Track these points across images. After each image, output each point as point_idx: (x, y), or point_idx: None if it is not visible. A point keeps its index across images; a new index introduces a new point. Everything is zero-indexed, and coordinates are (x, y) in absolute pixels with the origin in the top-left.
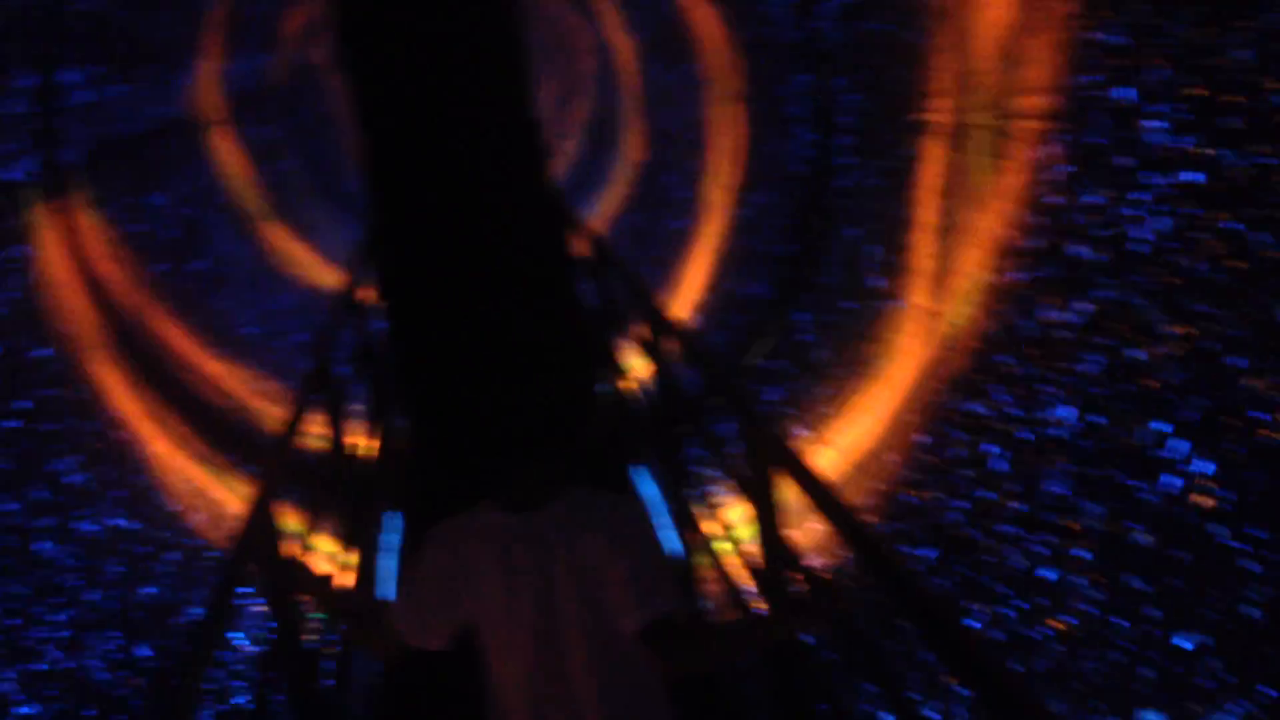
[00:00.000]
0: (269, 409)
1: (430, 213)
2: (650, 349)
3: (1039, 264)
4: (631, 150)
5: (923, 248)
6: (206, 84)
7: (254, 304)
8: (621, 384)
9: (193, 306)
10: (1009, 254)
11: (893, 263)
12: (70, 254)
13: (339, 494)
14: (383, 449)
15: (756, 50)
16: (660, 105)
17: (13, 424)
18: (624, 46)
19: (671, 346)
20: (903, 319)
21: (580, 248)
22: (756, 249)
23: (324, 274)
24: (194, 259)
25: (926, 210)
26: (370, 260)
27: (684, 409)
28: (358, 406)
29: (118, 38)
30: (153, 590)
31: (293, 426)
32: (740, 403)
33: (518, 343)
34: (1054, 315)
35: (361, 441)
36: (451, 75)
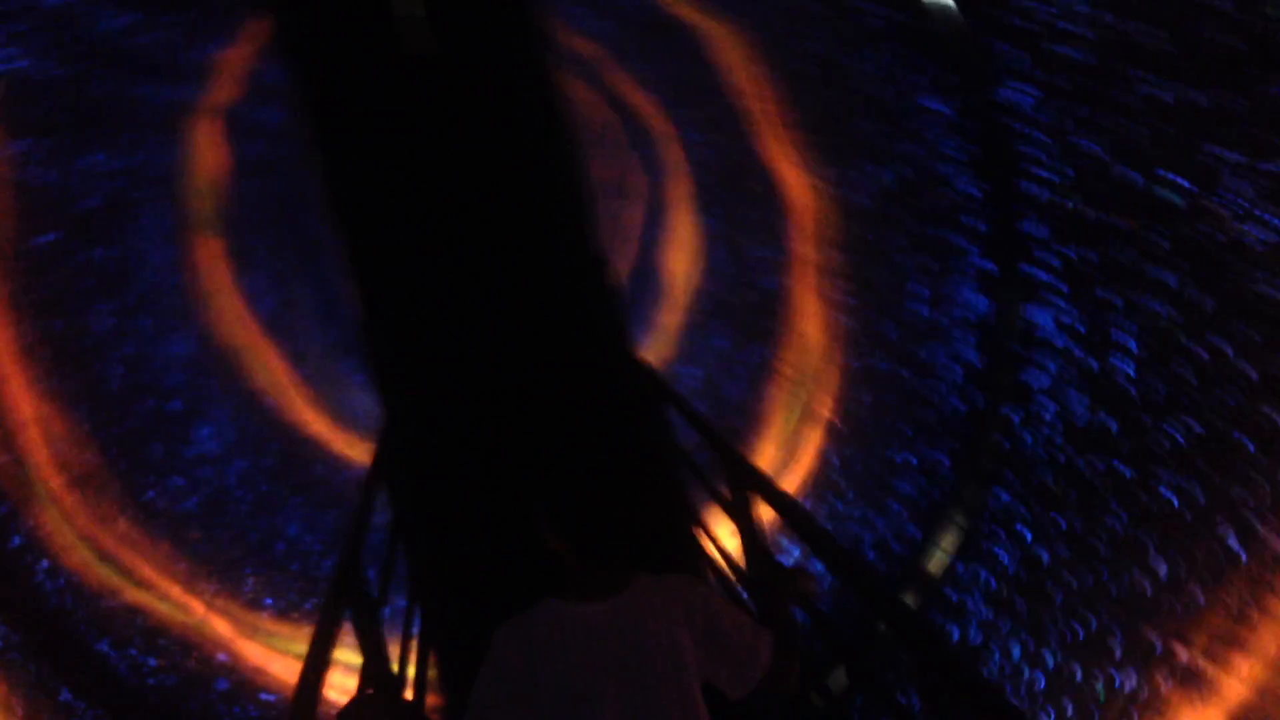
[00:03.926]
0: (61, 500)
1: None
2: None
3: None
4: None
5: None
6: (230, 71)
7: (134, 340)
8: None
9: (59, 311)
10: None
11: None
12: None
13: None
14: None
15: (876, 381)
16: (723, 376)
17: None
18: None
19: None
20: None
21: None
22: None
23: (245, 330)
24: (96, 243)
25: None
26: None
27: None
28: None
29: None
30: None
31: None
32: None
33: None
34: None
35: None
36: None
